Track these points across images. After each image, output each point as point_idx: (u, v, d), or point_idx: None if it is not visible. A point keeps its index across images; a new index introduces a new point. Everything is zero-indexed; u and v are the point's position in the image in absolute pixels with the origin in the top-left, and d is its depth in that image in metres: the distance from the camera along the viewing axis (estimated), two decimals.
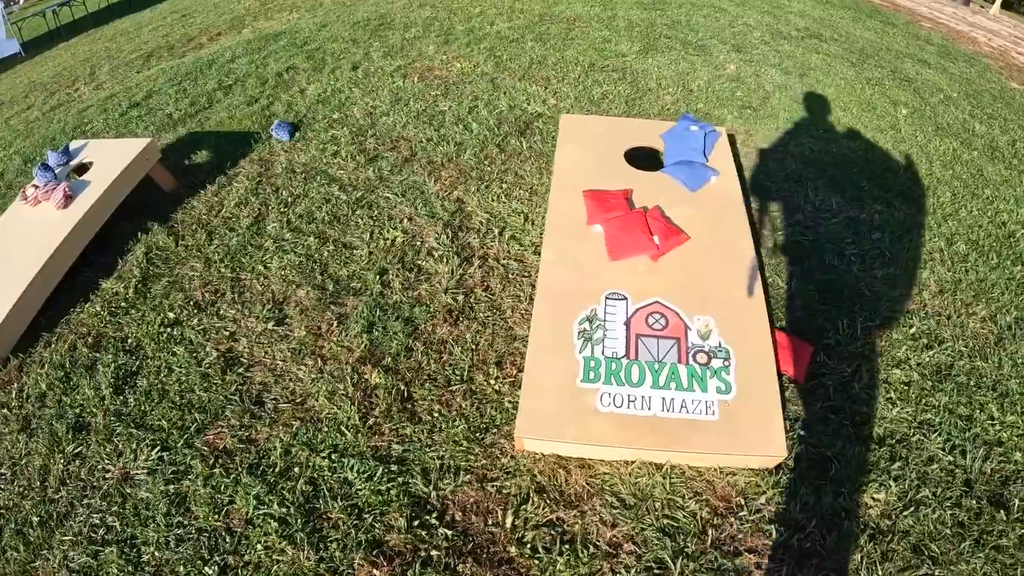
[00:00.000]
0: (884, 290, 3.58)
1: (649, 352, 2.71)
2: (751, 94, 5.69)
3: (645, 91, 5.58)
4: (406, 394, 3.09)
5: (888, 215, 4.17)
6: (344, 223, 4.21)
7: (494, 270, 3.72)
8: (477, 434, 2.88)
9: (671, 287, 2.96)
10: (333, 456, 2.81)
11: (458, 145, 4.91)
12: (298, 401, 3.09)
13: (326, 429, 2.92)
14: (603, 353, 2.72)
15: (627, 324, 2.82)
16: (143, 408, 3.08)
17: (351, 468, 2.73)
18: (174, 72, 7.17)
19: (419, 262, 3.84)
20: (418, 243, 3.99)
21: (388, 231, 4.10)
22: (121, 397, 3.15)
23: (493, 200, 4.25)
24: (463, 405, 3.01)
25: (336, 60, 6.73)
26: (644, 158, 3.96)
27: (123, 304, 3.73)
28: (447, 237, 3.99)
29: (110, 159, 4.28)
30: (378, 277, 3.74)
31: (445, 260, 3.82)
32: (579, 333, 2.81)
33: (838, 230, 4.01)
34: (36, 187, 4.02)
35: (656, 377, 2.63)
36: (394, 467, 2.75)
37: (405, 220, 4.19)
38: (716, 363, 2.65)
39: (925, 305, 3.48)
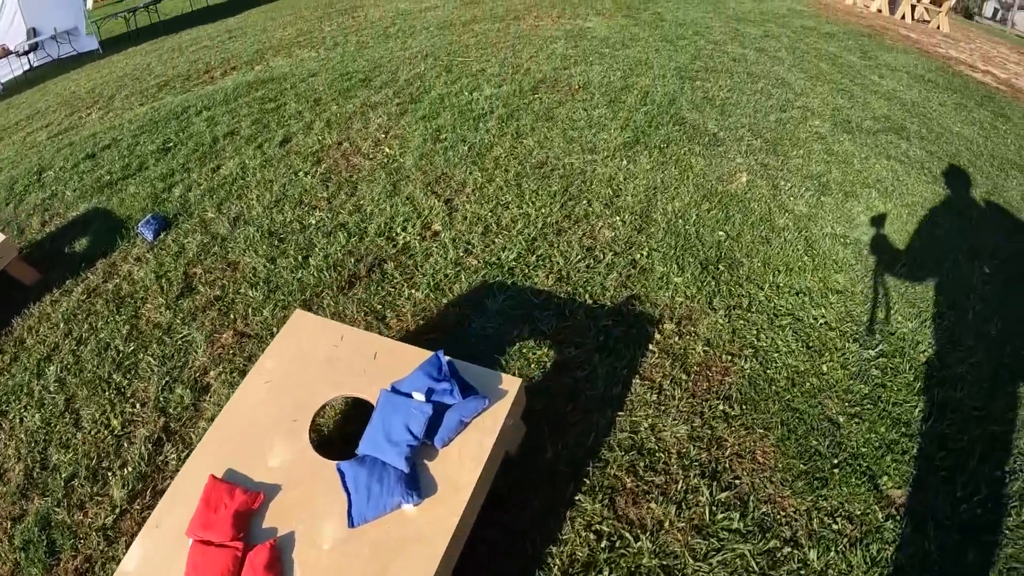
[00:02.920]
0: None
1: None
2: (748, 230, 3.77)
3: (577, 219, 3.65)
4: None
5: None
6: (92, 391, 3.15)
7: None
8: None
9: None
10: None
11: (270, 294, 3.57)
12: None
13: None
14: None
15: None
16: None
17: None
18: (150, 117, 6.57)
19: (95, 488, 2.69)
20: (111, 457, 2.82)
21: (114, 418, 2.97)
22: None
23: (218, 404, 2.72)
24: None
25: (278, 127, 5.69)
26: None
27: None
28: (134, 465, 2.76)
29: None
30: (64, 483, 2.70)
31: (101, 500, 2.58)
32: None
33: None
34: None
35: None
36: None
37: (129, 407, 3.03)
38: None
39: None
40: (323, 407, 2.36)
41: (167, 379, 3.10)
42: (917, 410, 2.73)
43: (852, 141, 5.11)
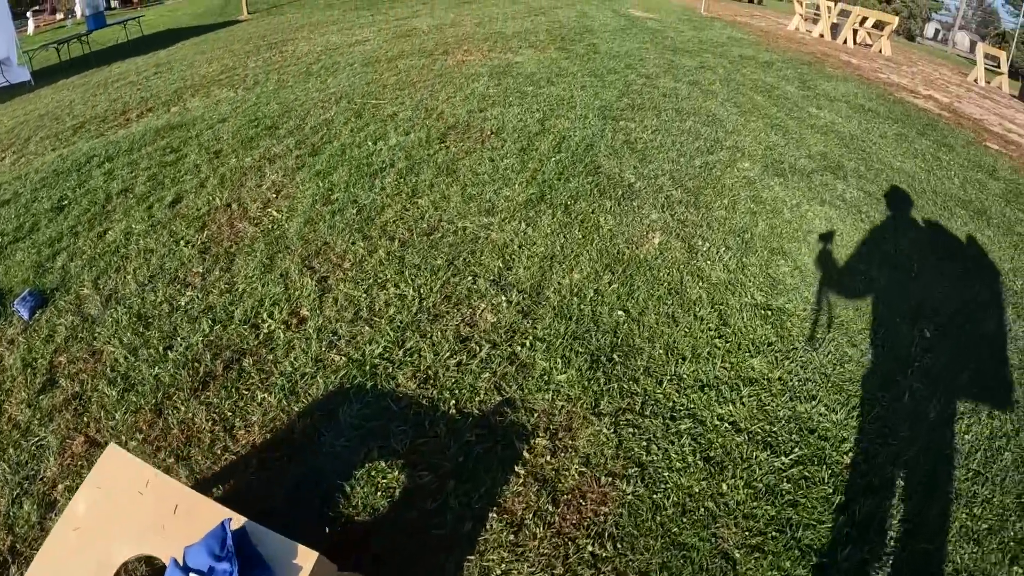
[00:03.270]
0: None
1: None
2: (654, 306, 3.40)
3: (458, 300, 3.15)
4: None
5: None
6: None
7: None
8: None
9: None
10: None
11: (125, 392, 3.01)
12: None
13: None
14: None
15: None
16: None
17: None
18: (55, 167, 6.01)
19: None
20: None
21: None
22: None
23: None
24: None
25: (172, 184, 5.17)
26: None
27: None
28: None
29: None
30: None
31: None
32: None
33: None
34: None
35: None
36: None
37: None
38: None
39: None
40: (124, 565, 1.95)
41: (18, 491, 2.61)
42: (833, 533, 2.22)
43: (783, 185, 4.70)
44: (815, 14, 13.37)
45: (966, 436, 2.82)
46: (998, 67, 13.72)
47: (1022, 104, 11.71)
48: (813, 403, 2.79)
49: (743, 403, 2.74)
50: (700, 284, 3.42)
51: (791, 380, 2.90)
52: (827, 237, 4.06)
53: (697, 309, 3.23)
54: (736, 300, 3.33)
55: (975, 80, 13.03)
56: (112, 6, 31.73)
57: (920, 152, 6.16)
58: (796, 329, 3.20)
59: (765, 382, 2.87)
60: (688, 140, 5.33)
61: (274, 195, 4.73)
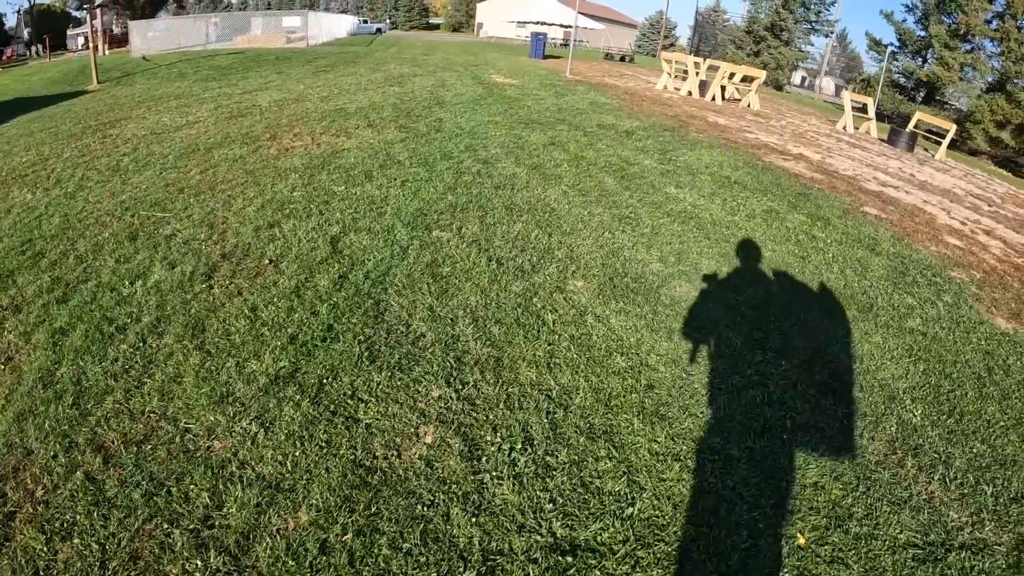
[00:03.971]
0: None
1: None
2: (399, 568, 2.41)
3: (144, 567, 1.86)
4: None
5: None
6: None
7: None
8: None
9: None
10: None
11: None
12: None
13: None
14: None
15: None
16: None
17: None
18: None
19: None
20: None
21: None
22: None
23: None
24: None
25: None
26: None
27: None
28: None
29: None
30: None
31: None
32: None
33: None
34: None
35: None
36: None
37: None
38: None
39: None
40: None
41: None
42: None
43: (623, 312, 3.73)
44: (684, 72, 13.07)
45: None
46: (865, 111, 13.80)
47: (891, 149, 11.63)
48: None
49: None
50: (473, 520, 2.31)
51: None
52: (672, 396, 3.07)
53: (460, 568, 2.09)
54: (521, 543, 2.23)
55: (843, 127, 12.98)
56: None
57: (792, 232, 5.44)
58: None
59: None
60: (511, 253, 4.31)
61: (1, 367, 3.42)
